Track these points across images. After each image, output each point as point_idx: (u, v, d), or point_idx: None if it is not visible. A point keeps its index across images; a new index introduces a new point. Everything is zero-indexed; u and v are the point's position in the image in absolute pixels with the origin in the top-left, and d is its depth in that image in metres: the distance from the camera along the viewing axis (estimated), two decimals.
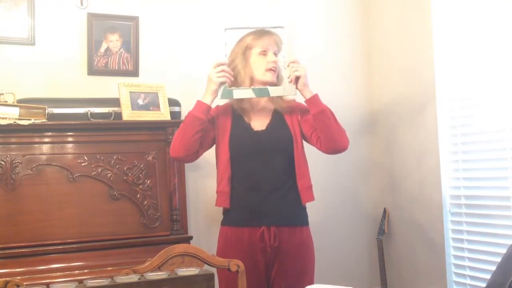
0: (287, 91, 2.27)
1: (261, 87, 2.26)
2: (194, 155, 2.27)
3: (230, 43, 2.34)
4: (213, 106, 2.31)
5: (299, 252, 2.27)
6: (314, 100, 2.23)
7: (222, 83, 2.22)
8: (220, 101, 2.36)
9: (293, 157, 2.29)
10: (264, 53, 2.30)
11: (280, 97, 2.33)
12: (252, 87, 2.26)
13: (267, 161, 2.26)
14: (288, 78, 2.24)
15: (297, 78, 2.22)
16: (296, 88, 2.24)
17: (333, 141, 2.24)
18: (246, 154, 2.27)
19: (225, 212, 2.33)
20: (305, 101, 2.26)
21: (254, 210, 2.24)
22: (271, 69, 2.29)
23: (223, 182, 2.28)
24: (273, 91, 2.26)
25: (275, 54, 2.32)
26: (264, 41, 2.30)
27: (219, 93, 2.23)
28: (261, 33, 2.33)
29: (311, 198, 2.31)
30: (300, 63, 2.25)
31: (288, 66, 2.24)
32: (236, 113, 2.34)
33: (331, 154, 2.32)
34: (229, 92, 2.23)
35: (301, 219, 2.32)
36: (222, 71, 2.21)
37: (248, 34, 2.34)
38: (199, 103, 2.23)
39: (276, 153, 2.27)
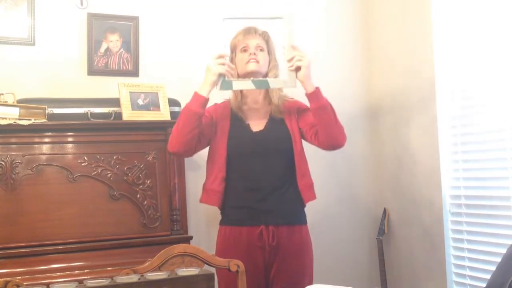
0: (287, 83, 2.22)
1: (260, 78, 2.23)
2: (191, 150, 2.27)
3: (229, 33, 2.31)
4: (211, 100, 2.28)
5: (298, 251, 2.27)
6: (315, 94, 2.18)
7: (221, 75, 2.17)
8: (218, 99, 2.34)
9: (292, 157, 2.28)
10: (245, 49, 2.29)
11: (278, 97, 2.30)
12: (251, 78, 2.21)
13: (267, 161, 2.25)
14: (291, 66, 2.16)
15: (298, 68, 2.15)
16: (297, 78, 2.17)
17: (330, 138, 2.22)
18: (245, 155, 2.26)
19: (224, 211, 2.33)
20: (306, 95, 2.20)
21: (253, 210, 2.24)
22: (251, 59, 2.26)
23: (217, 181, 2.27)
24: (273, 83, 2.22)
25: (262, 49, 2.29)
26: (244, 37, 2.29)
27: (218, 85, 2.18)
28: (243, 31, 2.32)
29: (313, 197, 2.31)
30: (303, 52, 2.17)
31: (288, 60, 2.17)
32: (234, 114, 2.33)
33: (327, 150, 2.31)
34: (228, 83, 2.19)
35: (299, 218, 2.33)
36: (223, 62, 2.17)
37: (233, 36, 2.34)
38: (196, 95, 2.20)
39: (276, 153, 2.27)
